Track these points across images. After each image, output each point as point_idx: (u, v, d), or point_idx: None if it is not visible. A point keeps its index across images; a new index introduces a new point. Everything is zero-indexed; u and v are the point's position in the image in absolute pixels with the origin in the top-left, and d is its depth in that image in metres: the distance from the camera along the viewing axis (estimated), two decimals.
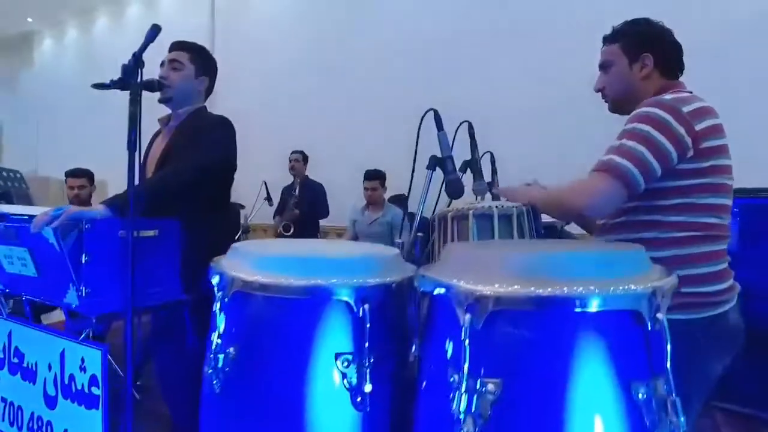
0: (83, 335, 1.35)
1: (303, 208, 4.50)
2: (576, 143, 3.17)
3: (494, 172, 2.00)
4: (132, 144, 1.30)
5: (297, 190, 4.66)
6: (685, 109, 1.16)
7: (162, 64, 1.83)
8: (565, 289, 0.57)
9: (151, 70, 1.55)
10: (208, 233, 1.70)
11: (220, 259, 0.79)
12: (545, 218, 1.38)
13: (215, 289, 0.72)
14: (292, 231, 4.47)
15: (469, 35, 4.64)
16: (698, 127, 1.15)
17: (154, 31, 1.26)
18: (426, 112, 1.34)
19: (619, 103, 1.35)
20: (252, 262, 0.70)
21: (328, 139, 5.25)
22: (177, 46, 1.86)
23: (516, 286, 0.57)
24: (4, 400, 1.60)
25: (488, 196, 2.08)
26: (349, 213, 4.38)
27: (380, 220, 4.10)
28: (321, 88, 5.52)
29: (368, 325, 0.63)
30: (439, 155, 1.41)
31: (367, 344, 0.64)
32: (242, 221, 4.64)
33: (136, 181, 1.30)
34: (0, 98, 9.80)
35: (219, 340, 0.68)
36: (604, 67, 1.37)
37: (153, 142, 1.93)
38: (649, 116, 1.15)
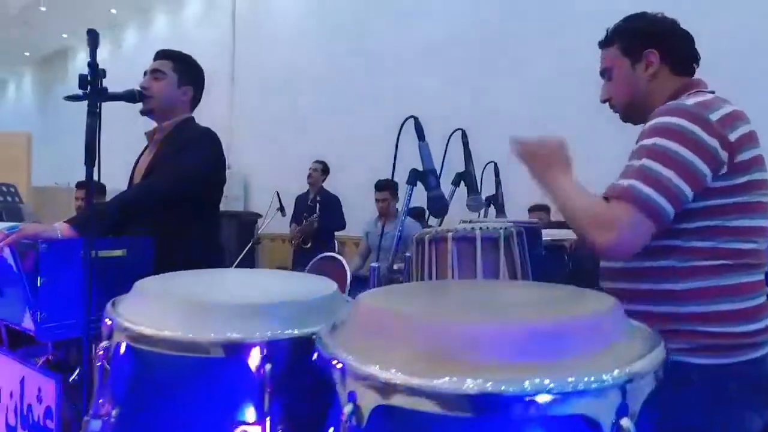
0: (40, 362, 1.26)
1: (321, 220, 4.42)
2: (593, 151, 2.96)
3: (498, 184, 1.84)
4: (90, 157, 1.21)
5: (312, 201, 4.58)
6: (714, 116, 0.96)
7: (145, 74, 1.75)
8: (488, 385, 0.36)
9: None
10: (187, 249, 1.61)
11: (122, 299, 0.67)
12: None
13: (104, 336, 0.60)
14: (310, 244, 4.39)
15: (490, 37, 4.49)
16: (733, 137, 0.96)
17: (93, 36, 1.17)
18: (406, 120, 1.20)
19: (630, 111, 1.16)
20: (144, 306, 0.58)
21: (346, 147, 5.16)
22: (160, 54, 1.78)
23: (414, 379, 0.38)
24: None
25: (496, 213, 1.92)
26: (363, 224, 4.27)
27: (392, 233, 3.95)
28: (338, 96, 5.45)
29: (268, 390, 0.50)
30: (427, 168, 1.28)
31: (268, 413, 0.50)
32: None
33: (93, 197, 1.22)
34: (36, 111, 10.22)
35: (100, 400, 0.57)
36: (605, 74, 1.18)
37: (141, 156, 1.86)
38: (672, 128, 0.96)
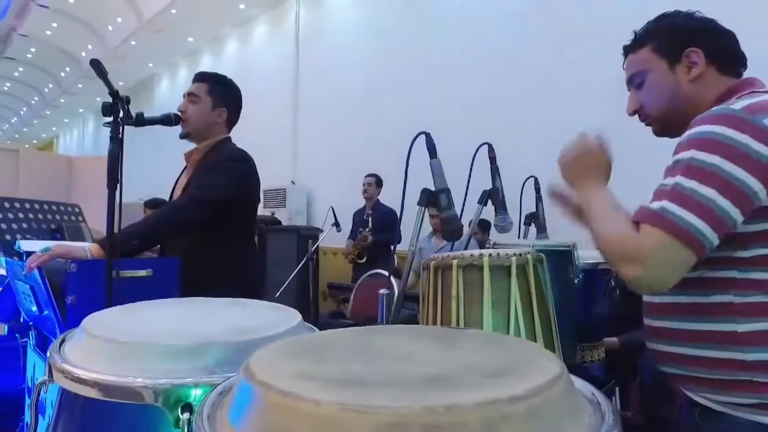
0: None
1: (374, 235, 4.40)
2: (637, 163, 2.69)
3: (539, 200, 1.69)
4: (113, 181, 1.26)
5: (367, 216, 4.58)
6: None
7: (184, 96, 1.82)
8: None
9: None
10: (214, 268, 1.64)
11: (71, 333, 0.65)
12: None
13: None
14: (365, 259, 4.38)
15: (536, 51, 4.31)
16: None
17: (96, 64, 1.21)
18: (417, 136, 1.12)
19: (668, 122, 0.99)
20: (83, 344, 0.56)
21: (401, 161, 5.13)
22: (197, 77, 1.83)
23: None
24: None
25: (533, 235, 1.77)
26: (417, 240, 4.19)
27: (446, 249, 3.84)
28: (393, 111, 5.45)
29: None
30: (445, 186, 1.19)
31: None
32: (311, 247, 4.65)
33: (116, 219, 1.26)
34: (127, 135, 11.22)
35: None
36: (634, 81, 1.02)
37: (180, 176, 1.93)
38: (713, 139, 0.80)
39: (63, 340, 0.61)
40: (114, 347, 0.53)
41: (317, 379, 0.35)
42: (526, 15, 4.49)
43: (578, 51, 4.02)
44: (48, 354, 0.57)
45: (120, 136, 1.27)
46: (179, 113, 1.75)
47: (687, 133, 0.85)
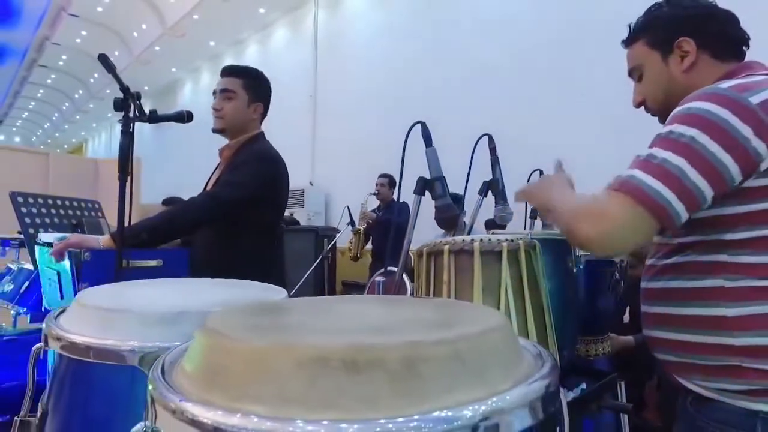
0: None
1: (392, 225, 4.41)
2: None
3: None
4: (123, 175, 1.31)
5: (381, 210, 4.60)
6: (755, 98, 0.78)
7: (214, 93, 1.79)
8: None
9: None
10: (239, 267, 1.65)
11: (67, 306, 0.69)
12: None
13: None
14: (371, 239, 4.35)
15: (551, 49, 4.27)
16: None
17: (104, 59, 1.26)
18: (413, 125, 1.14)
19: (668, 112, 0.98)
20: (75, 313, 0.59)
21: (416, 163, 5.15)
22: (228, 71, 1.79)
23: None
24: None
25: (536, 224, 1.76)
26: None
27: None
28: (411, 113, 5.47)
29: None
30: (443, 175, 1.20)
31: None
32: (326, 246, 4.69)
33: (126, 210, 1.30)
34: (151, 138, 11.53)
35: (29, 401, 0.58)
36: (633, 75, 1.03)
37: (213, 172, 1.95)
38: (694, 113, 0.80)
39: (60, 312, 0.65)
40: (100, 315, 0.56)
41: (262, 329, 0.38)
42: (541, 15, 4.47)
43: (592, 48, 3.98)
44: (44, 323, 0.60)
45: (131, 130, 1.31)
46: (215, 110, 1.76)
47: (675, 110, 0.84)
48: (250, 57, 8.64)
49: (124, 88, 1.28)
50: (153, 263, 1.45)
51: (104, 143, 17.41)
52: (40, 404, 0.61)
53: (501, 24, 4.83)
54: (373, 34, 6.35)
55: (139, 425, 0.35)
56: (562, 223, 0.88)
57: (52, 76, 12.63)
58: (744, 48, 0.96)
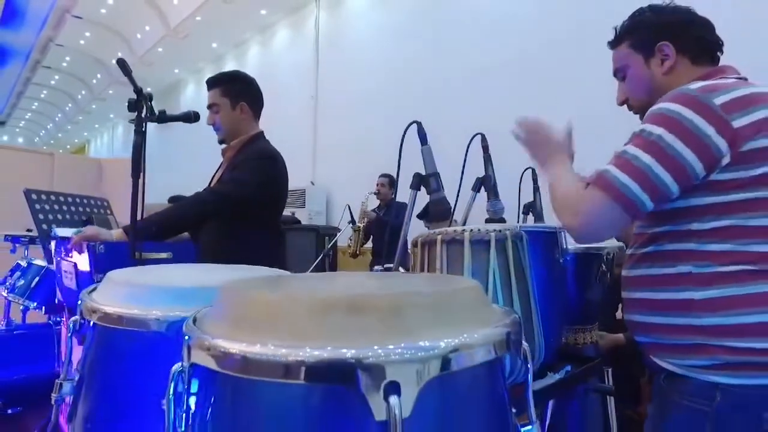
0: None
1: (389, 226, 4.48)
2: None
3: (536, 190, 1.76)
4: (136, 172, 1.39)
5: (381, 209, 4.68)
6: (719, 99, 0.86)
7: (208, 108, 1.89)
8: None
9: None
10: (241, 261, 1.73)
11: (98, 284, 0.77)
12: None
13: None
14: (369, 238, 4.44)
15: (554, 50, 4.34)
16: (738, 124, 0.85)
17: (122, 63, 1.34)
18: (409, 125, 1.21)
19: None
20: (107, 289, 0.67)
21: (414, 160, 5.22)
22: (208, 84, 1.89)
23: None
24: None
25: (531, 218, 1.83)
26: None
27: None
28: (411, 113, 5.54)
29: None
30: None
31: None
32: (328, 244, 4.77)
33: (139, 206, 1.38)
34: (155, 137, 11.61)
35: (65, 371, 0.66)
36: (618, 75, 1.12)
37: (216, 172, 2.04)
38: (664, 114, 0.88)
39: (92, 290, 0.73)
40: (129, 290, 0.64)
41: (276, 287, 0.45)
42: (544, 16, 4.53)
43: (592, 48, 4.04)
44: (80, 298, 0.68)
45: (143, 129, 1.39)
46: (210, 124, 1.86)
47: (649, 110, 0.92)
48: (252, 58, 8.73)
49: (138, 90, 1.36)
50: (163, 255, 1.53)
51: (106, 144, 17.51)
52: (75, 370, 0.69)
53: (501, 24, 4.89)
54: (374, 34, 6.43)
55: (177, 365, 0.43)
56: (554, 197, 1.00)
57: (56, 77, 12.72)
58: (718, 53, 1.04)
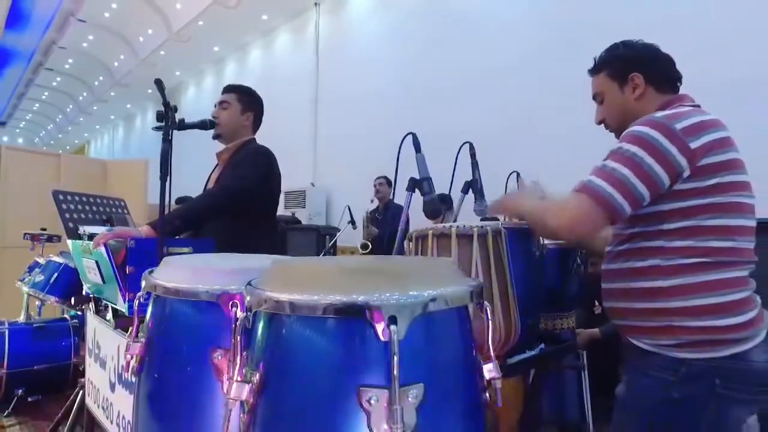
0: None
1: (386, 230, 4.66)
2: None
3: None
4: (164, 174, 1.56)
5: (380, 214, 4.86)
6: (680, 125, 1.07)
7: (215, 106, 2.13)
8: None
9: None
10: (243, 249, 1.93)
11: (153, 269, 0.95)
12: None
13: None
14: (369, 249, 4.64)
15: (556, 53, 4.49)
16: (695, 144, 1.05)
17: (159, 83, 1.52)
18: (405, 136, 1.39)
19: (623, 130, 1.27)
20: (166, 271, 0.85)
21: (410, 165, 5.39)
22: (227, 89, 2.16)
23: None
24: (90, 381, 1.98)
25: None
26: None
27: None
28: (411, 116, 5.72)
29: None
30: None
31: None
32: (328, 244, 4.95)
33: (166, 205, 1.56)
34: (157, 139, 11.75)
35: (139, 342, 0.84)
36: (597, 98, 1.32)
37: (212, 173, 2.24)
38: (637, 136, 1.08)
39: (150, 272, 0.91)
40: (184, 270, 0.82)
41: (311, 260, 0.63)
42: (546, 19, 4.66)
43: (592, 51, 4.19)
44: (143, 279, 0.86)
45: (170, 138, 1.57)
46: (213, 118, 2.06)
47: (624, 132, 1.12)
48: (253, 61, 8.90)
49: (166, 103, 1.54)
50: (185, 250, 1.71)
51: (107, 145, 17.66)
52: (139, 334, 0.86)
53: (500, 29, 5.02)
54: (373, 39, 6.60)
55: (242, 314, 0.61)
56: (533, 220, 1.18)
57: (58, 78, 12.87)
58: (678, 83, 1.24)
